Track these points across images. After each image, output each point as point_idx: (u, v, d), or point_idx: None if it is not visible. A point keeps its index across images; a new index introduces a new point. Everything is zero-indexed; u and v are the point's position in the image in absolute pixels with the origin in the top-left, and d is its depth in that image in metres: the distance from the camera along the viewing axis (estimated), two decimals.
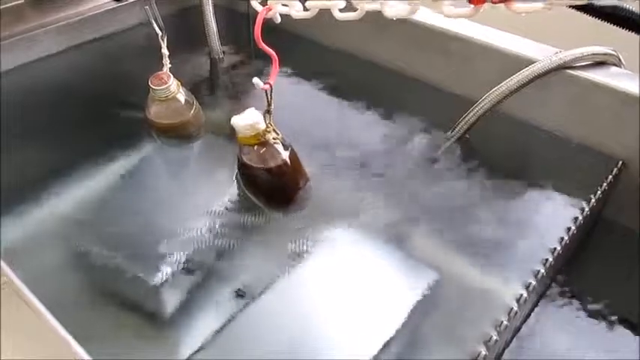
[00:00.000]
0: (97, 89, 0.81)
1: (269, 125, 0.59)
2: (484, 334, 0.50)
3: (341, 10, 0.48)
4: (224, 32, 0.89)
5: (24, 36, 0.81)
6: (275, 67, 0.55)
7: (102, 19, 0.86)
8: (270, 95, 0.56)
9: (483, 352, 0.48)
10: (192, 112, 0.72)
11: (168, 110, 0.71)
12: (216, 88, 0.87)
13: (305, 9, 0.50)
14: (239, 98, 0.82)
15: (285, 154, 0.61)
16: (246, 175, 0.63)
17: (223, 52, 0.89)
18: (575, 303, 0.59)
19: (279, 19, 0.53)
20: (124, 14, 0.88)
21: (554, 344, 0.55)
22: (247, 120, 0.58)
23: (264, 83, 0.55)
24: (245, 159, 0.61)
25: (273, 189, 0.63)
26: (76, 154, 0.70)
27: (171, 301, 0.53)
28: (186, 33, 0.89)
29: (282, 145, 0.61)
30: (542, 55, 0.68)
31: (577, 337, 0.56)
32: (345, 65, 0.86)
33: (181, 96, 0.71)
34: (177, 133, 0.73)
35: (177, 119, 0.72)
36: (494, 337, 0.49)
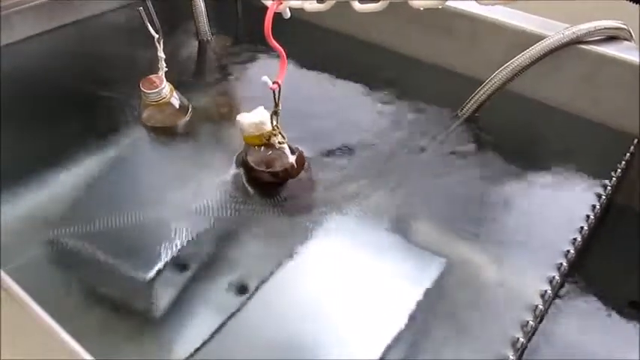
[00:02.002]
0: (78, 75, 0.75)
1: (275, 128, 0.55)
2: (507, 327, 0.47)
3: (361, 2, 0.44)
4: (211, 13, 0.84)
5: None
6: (283, 65, 0.50)
7: (81, 1, 0.80)
8: (278, 95, 0.52)
9: (521, 340, 0.46)
10: (186, 117, 0.68)
11: (161, 115, 0.67)
12: (204, 72, 0.81)
13: (319, 1, 0.45)
14: (227, 83, 0.77)
15: (292, 158, 0.57)
16: (250, 177, 0.59)
17: (212, 35, 0.84)
18: (593, 295, 0.56)
19: (288, 14, 0.49)
20: None
21: (572, 339, 0.53)
22: (253, 118, 0.54)
23: (273, 82, 0.50)
24: (250, 160, 0.57)
25: (277, 190, 0.59)
26: (61, 145, 0.64)
27: (165, 298, 0.49)
28: (172, 13, 0.84)
29: (290, 148, 0.57)
30: (550, 30, 0.64)
31: (596, 331, 0.53)
32: (346, 47, 0.81)
33: (175, 100, 0.67)
34: (174, 134, 0.68)
35: (172, 124, 0.67)
36: (531, 325, 0.47)
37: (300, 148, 0.59)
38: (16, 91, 0.71)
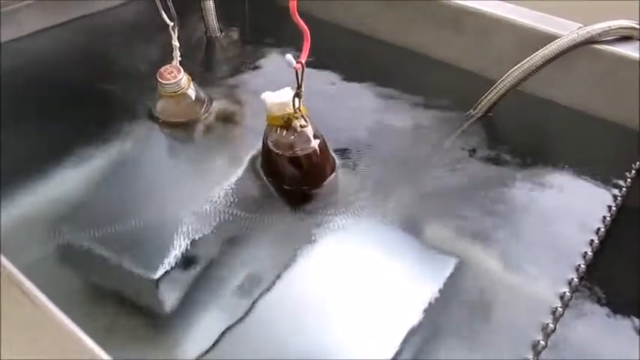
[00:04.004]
0: (87, 70, 0.74)
1: (297, 111, 0.52)
2: (527, 329, 0.46)
3: None
4: (219, 10, 0.82)
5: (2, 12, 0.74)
6: (306, 45, 0.48)
7: None
8: (301, 76, 0.49)
9: (541, 342, 0.45)
10: (203, 109, 0.66)
11: (177, 107, 0.64)
12: (214, 69, 0.80)
13: None
14: (238, 80, 0.75)
15: (315, 143, 0.55)
16: (269, 162, 0.57)
17: (220, 31, 0.83)
18: (606, 296, 0.55)
19: None
20: None
21: (585, 340, 0.52)
22: (277, 98, 0.52)
23: (296, 62, 0.48)
24: (270, 144, 0.55)
25: (297, 180, 0.57)
26: (69, 141, 0.62)
27: (175, 297, 0.48)
28: (181, 10, 0.83)
29: (313, 133, 0.55)
30: (562, 29, 0.64)
31: (610, 332, 0.52)
32: (354, 44, 0.80)
33: (192, 92, 0.64)
34: (186, 131, 0.66)
35: (187, 118, 0.65)
36: (550, 327, 0.46)
37: (322, 134, 0.56)
38: (24, 87, 0.70)
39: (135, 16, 0.83)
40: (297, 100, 0.52)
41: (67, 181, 0.58)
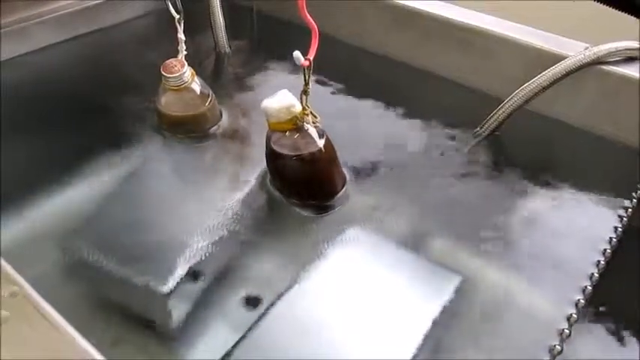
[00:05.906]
0: (98, 84, 0.75)
1: (306, 107, 0.52)
2: (534, 352, 0.46)
3: None
4: (228, 26, 0.83)
5: (15, 27, 0.75)
6: (315, 42, 0.49)
7: (102, 10, 0.80)
8: (309, 73, 0.50)
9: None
10: (207, 104, 0.65)
11: (181, 101, 0.64)
12: (224, 84, 0.81)
13: None
14: (248, 94, 0.76)
15: (321, 142, 0.54)
16: (276, 166, 0.57)
17: (230, 46, 0.84)
18: (610, 317, 0.55)
19: None
20: (125, 5, 0.82)
21: None
22: (281, 103, 0.52)
23: (304, 59, 0.48)
24: (275, 147, 0.54)
25: (305, 182, 0.56)
26: (78, 153, 0.63)
27: (180, 310, 0.48)
28: (190, 26, 0.84)
29: (317, 131, 0.54)
30: (567, 49, 0.65)
31: (613, 353, 0.51)
32: (362, 61, 0.81)
33: (196, 86, 0.64)
34: (190, 128, 0.66)
35: (191, 111, 0.65)
36: (558, 349, 0.46)
37: (326, 132, 0.56)
38: (33, 101, 0.71)
39: (144, 31, 0.85)
40: (304, 97, 0.52)
41: (76, 195, 0.59)
